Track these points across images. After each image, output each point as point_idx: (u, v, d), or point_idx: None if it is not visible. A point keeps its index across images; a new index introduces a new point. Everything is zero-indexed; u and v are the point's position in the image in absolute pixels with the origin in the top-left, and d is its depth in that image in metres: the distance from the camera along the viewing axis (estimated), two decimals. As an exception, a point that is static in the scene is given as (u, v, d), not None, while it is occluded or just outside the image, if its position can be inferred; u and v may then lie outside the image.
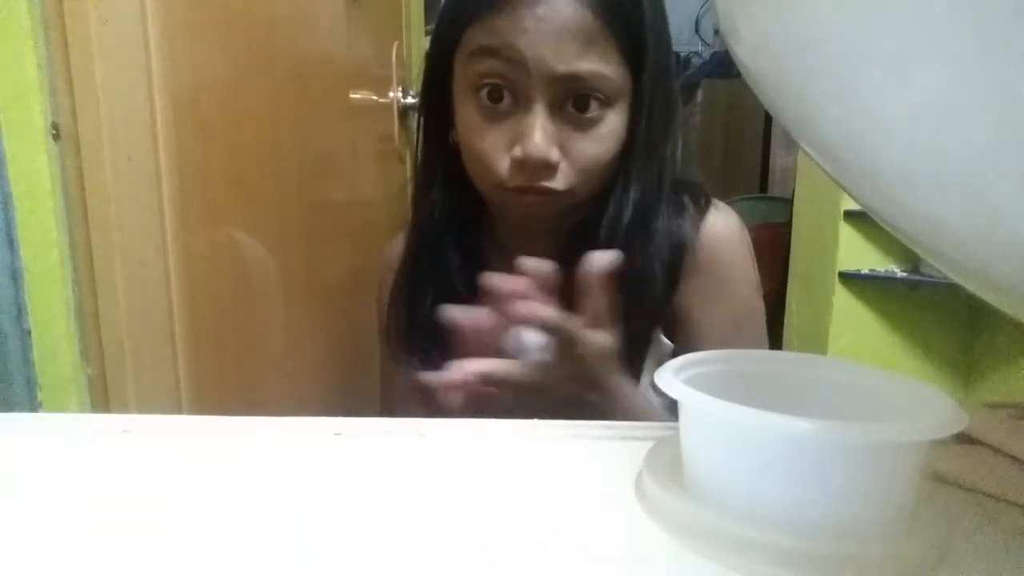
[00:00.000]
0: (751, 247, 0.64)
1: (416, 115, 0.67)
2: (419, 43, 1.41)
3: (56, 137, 0.48)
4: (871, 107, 0.19)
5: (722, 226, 0.62)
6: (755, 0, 0.22)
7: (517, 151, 0.54)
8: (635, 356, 0.59)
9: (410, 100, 1.18)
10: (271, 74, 0.71)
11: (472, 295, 0.59)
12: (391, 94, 1.13)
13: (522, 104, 0.55)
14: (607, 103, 0.55)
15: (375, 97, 1.08)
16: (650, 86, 0.57)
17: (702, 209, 0.62)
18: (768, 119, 2.42)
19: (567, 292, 0.62)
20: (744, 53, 0.23)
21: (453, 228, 0.64)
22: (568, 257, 0.59)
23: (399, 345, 0.66)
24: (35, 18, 0.46)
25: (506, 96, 0.55)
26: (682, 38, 2.81)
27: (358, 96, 0.99)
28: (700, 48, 2.87)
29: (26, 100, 0.46)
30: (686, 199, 0.63)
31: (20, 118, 0.47)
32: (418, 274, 0.66)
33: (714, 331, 0.61)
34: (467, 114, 0.58)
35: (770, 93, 0.23)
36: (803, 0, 0.20)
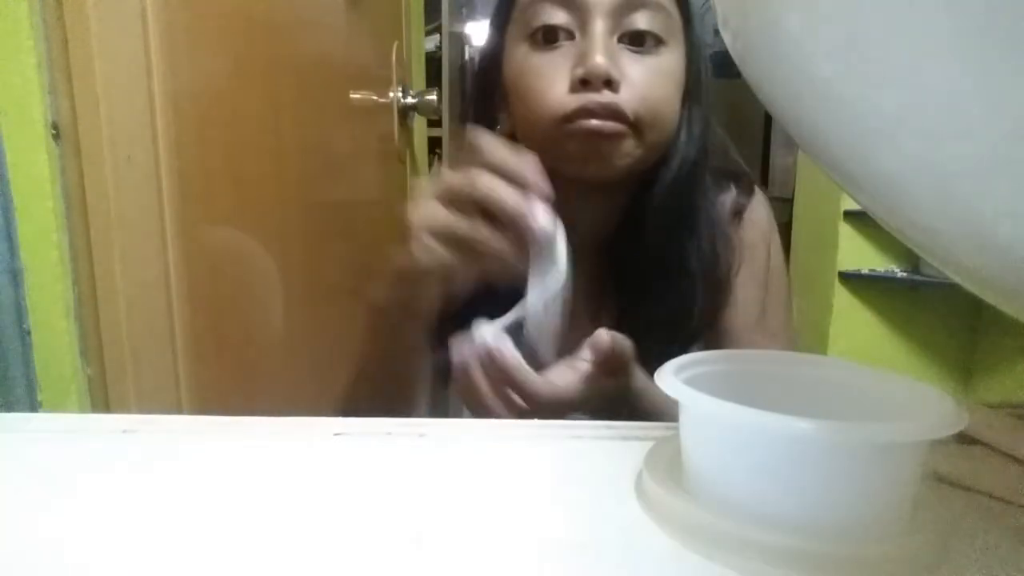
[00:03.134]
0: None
1: (414, 114, 0.64)
2: (419, 43, 1.41)
3: (56, 137, 0.48)
4: (864, 111, 0.19)
5: (760, 213, 0.65)
6: (750, 3, 0.22)
7: (579, 70, 0.53)
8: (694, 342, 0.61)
9: (410, 100, 1.18)
10: (271, 74, 0.71)
11: (516, 289, 0.59)
12: (391, 94, 1.13)
13: (581, 33, 0.54)
14: (662, 40, 0.55)
15: (375, 97, 1.08)
16: (697, 42, 0.58)
17: (746, 193, 0.64)
18: (768, 119, 2.42)
19: (612, 290, 0.63)
20: (742, 54, 0.23)
21: None
22: (617, 245, 0.62)
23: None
24: (35, 18, 0.46)
25: (561, 36, 0.55)
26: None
27: (358, 96, 0.99)
28: (700, 48, 2.87)
29: (26, 100, 0.46)
30: (732, 185, 0.65)
31: (20, 118, 0.46)
32: None
33: (748, 308, 0.62)
34: (518, 60, 0.57)
35: (768, 94, 0.23)
36: (796, 4, 0.20)
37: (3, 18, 0.45)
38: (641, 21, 0.54)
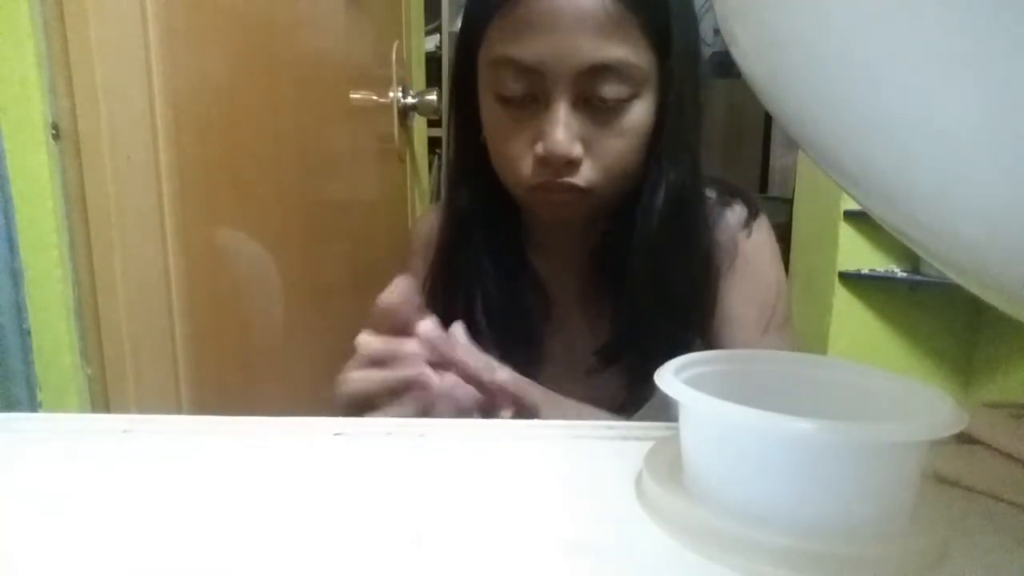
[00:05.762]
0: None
1: (414, 114, 0.65)
2: (419, 43, 1.41)
3: (56, 137, 0.48)
4: (864, 111, 0.19)
5: (767, 233, 0.64)
6: (750, 3, 0.22)
7: (539, 148, 0.54)
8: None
9: (410, 100, 1.18)
10: (271, 74, 0.71)
11: (505, 298, 0.59)
12: (391, 94, 1.13)
13: (543, 102, 0.54)
14: (633, 93, 0.53)
15: (375, 97, 1.08)
16: (679, 72, 0.55)
17: (752, 215, 0.64)
18: (768, 119, 2.42)
19: (596, 294, 0.63)
20: (741, 54, 0.23)
21: (486, 227, 0.64)
22: (604, 255, 0.62)
23: None
24: (35, 18, 0.46)
25: (527, 99, 0.54)
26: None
27: (358, 96, 0.99)
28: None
29: (26, 100, 0.46)
30: (737, 203, 0.64)
31: (20, 118, 0.47)
32: (452, 272, 0.66)
33: (748, 326, 0.61)
34: (490, 114, 0.58)
35: (768, 94, 0.23)
36: (795, 4, 0.20)
37: (3, 18, 0.45)
38: (608, 87, 0.52)
